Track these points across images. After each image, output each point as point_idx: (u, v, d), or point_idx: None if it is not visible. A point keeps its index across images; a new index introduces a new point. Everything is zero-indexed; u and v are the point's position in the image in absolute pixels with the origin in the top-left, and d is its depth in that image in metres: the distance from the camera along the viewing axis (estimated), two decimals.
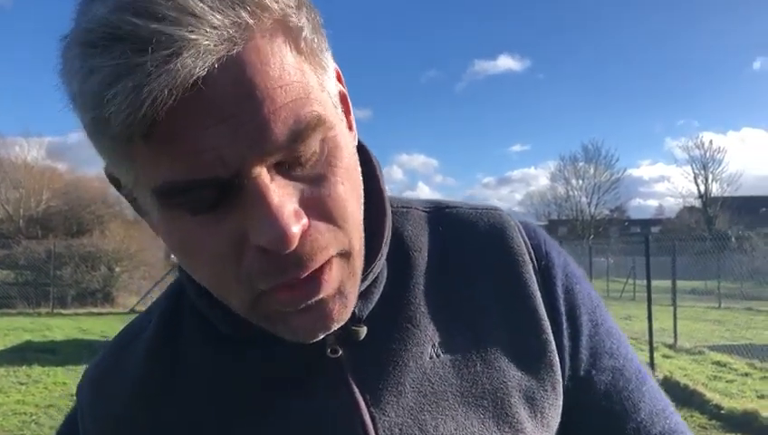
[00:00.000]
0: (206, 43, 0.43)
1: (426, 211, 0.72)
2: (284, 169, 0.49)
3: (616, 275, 24.82)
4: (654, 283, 11.17)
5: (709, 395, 7.27)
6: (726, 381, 8.26)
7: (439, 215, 0.71)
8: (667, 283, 12.15)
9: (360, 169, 0.58)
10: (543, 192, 58.05)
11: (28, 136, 36.32)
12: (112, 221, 26.37)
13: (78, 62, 0.45)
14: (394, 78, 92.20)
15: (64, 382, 8.16)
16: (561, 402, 0.66)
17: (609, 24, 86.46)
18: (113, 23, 0.43)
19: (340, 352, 0.60)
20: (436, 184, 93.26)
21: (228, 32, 0.44)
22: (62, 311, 17.29)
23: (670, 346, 10.79)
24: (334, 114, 0.52)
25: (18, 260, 19.15)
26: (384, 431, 0.58)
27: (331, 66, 0.55)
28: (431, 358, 0.62)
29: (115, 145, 0.47)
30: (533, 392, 0.64)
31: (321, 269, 0.51)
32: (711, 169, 49.24)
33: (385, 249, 0.63)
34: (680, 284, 15.00)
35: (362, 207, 0.57)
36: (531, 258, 0.68)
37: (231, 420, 0.59)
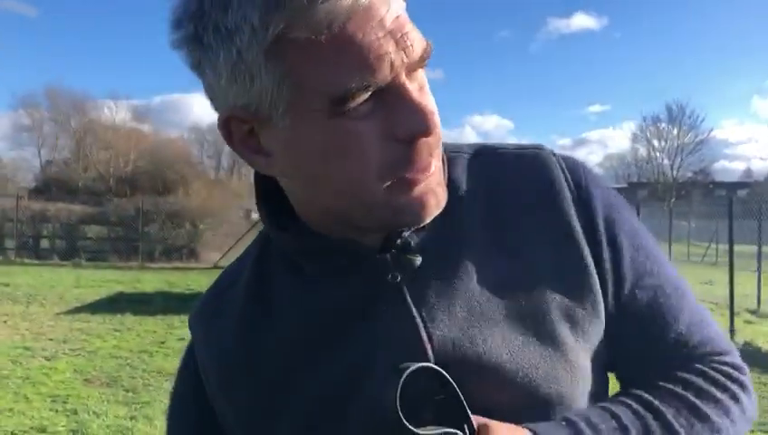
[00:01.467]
0: None
1: (474, 156, 0.80)
2: (408, 79, 0.62)
3: (697, 240, 24.01)
4: (739, 247, 10.78)
5: None
6: None
7: (486, 157, 0.79)
8: (753, 248, 11.70)
9: None
10: (623, 154, 56.54)
11: (116, 98, 37.90)
12: (195, 180, 27.23)
13: None
14: (465, 37, 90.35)
15: (154, 331, 8.68)
16: (602, 320, 0.73)
17: None
18: None
19: (399, 278, 0.69)
20: None
21: None
22: (150, 265, 18.23)
23: (753, 312, 10.47)
24: None
25: (110, 217, 20.23)
26: (438, 343, 0.67)
27: None
28: (479, 283, 0.70)
29: (294, 65, 0.58)
30: (573, 312, 0.71)
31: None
32: None
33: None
34: (766, 249, 14.38)
35: None
36: (570, 191, 0.75)
37: (317, 344, 0.70)
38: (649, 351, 0.76)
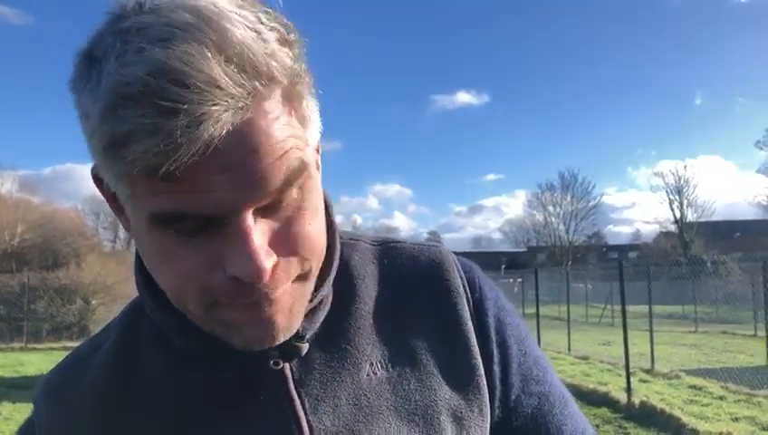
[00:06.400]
0: (225, 113, 0.50)
1: (373, 245, 0.78)
2: (265, 211, 0.56)
3: (594, 301, 24.99)
4: (632, 308, 11.21)
5: (685, 419, 7.32)
6: (702, 405, 8.31)
7: (385, 249, 0.78)
8: (645, 308, 12.24)
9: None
10: (522, 219, 58.60)
11: (1, 169, 36.01)
12: (89, 253, 26.04)
13: (109, 102, 0.50)
14: (359, 112, 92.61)
15: None
16: (487, 425, 0.71)
17: (561, 62, 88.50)
18: (150, 85, 0.48)
19: (282, 365, 0.66)
20: (410, 213, 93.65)
21: (243, 101, 0.51)
22: (36, 346, 16.96)
23: (647, 371, 10.84)
24: (312, 161, 0.60)
25: None
26: None
27: (317, 120, 0.62)
28: (368, 375, 0.68)
29: (123, 175, 0.53)
30: (461, 412, 0.70)
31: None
32: (685, 195, 50.01)
33: (332, 276, 0.69)
34: (658, 308, 15.12)
35: (325, 233, 0.64)
36: (465, 291, 0.75)
37: (186, 431, 0.64)
38: None
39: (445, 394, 0.70)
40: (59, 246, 28.26)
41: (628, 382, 8.73)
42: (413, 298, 0.74)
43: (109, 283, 19.73)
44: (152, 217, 0.54)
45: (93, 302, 19.06)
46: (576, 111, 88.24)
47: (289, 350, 0.65)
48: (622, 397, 8.66)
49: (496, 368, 0.74)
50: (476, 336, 0.73)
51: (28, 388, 10.06)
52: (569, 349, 14.51)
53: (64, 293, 18.72)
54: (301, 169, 0.56)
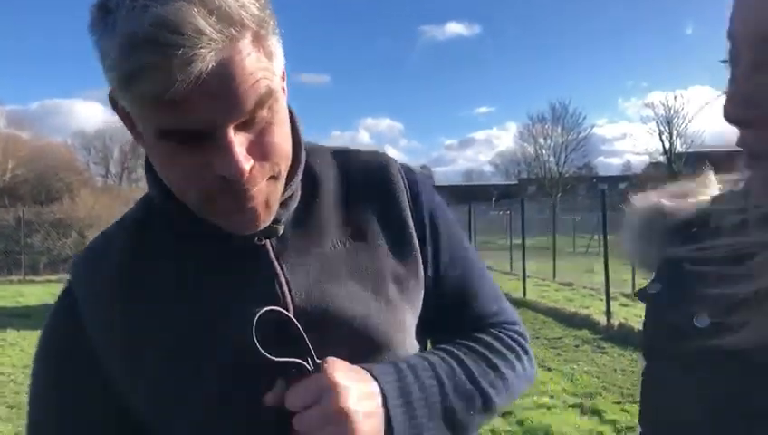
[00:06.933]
0: (210, 53, 0.66)
1: (332, 152, 0.99)
2: (243, 126, 0.72)
3: (583, 232, 25.32)
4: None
5: None
6: None
7: (342, 156, 0.99)
8: None
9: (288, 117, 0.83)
10: (513, 151, 58.32)
11: None
12: (82, 188, 25.96)
13: (123, 46, 0.66)
14: (348, 45, 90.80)
15: None
16: (421, 288, 0.94)
17: None
18: (154, 34, 0.65)
19: (264, 241, 0.86)
20: (402, 147, 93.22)
21: (223, 44, 0.67)
22: (35, 278, 17.30)
23: (628, 296, 11.19)
24: (278, 87, 0.76)
25: None
26: (296, 290, 0.84)
27: (280, 54, 0.78)
28: (330, 249, 0.89)
29: (136, 100, 0.70)
30: (401, 277, 0.92)
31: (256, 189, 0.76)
32: (675, 126, 49.85)
33: (299, 175, 0.89)
34: None
35: (291, 142, 0.82)
36: (405, 188, 0.97)
37: (192, 288, 0.83)
38: (457, 316, 0.98)
39: (389, 263, 0.91)
40: (51, 181, 28.19)
41: (608, 306, 9.04)
42: (365, 192, 0.95)
43: (103, 217, 19.86)
44: (158, 131, 0.71)
45: (89, 235, 19.21)
46: (568, 43, 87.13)
47: (269, 231, 0.85)
48: (602, 320, 8.98)
49: (429, 246, 0.96)
50: (414, 222, 0.95)
51: (30, 316, 10.32)
52: (554, 276, 14.92)
53: (60, 226, 18.88)
54: (269, 93, 0.73)
